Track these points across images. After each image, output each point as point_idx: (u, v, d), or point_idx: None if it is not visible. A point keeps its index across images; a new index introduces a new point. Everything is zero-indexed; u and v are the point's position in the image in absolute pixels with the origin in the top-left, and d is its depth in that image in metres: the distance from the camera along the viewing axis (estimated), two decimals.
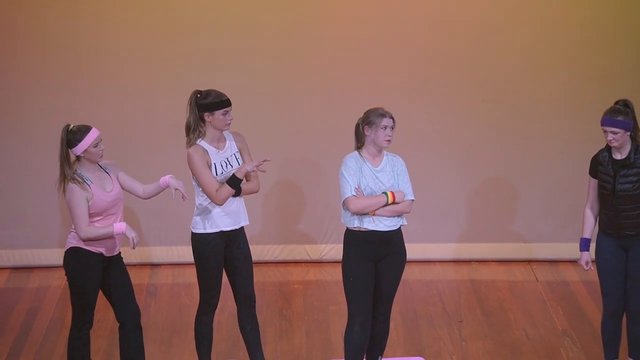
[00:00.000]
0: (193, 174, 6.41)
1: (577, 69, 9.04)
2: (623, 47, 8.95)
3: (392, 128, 6.39)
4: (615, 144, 6.17)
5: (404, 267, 6.50)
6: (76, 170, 6.23)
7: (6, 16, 8.81)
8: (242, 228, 6.49)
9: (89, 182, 6.20)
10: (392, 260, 6.38)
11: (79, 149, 6.18)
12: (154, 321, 7.80)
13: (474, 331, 7.66)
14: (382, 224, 6.35)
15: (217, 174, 6.32)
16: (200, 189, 6.42)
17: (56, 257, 8.82)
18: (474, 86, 9.02)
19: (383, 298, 6.49)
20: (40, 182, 8.88)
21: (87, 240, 6.22)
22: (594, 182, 6.37)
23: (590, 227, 6.94)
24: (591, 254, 6.69)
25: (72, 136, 6.24)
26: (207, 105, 6.33)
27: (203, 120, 6.41)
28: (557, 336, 7.48)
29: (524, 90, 9.07)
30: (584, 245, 6.39)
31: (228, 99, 6.39)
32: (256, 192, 6.66)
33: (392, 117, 6.38)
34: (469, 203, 9.24)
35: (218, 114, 6.31)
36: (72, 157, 6.30)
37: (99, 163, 6.34)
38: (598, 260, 6.51)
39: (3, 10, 8.81)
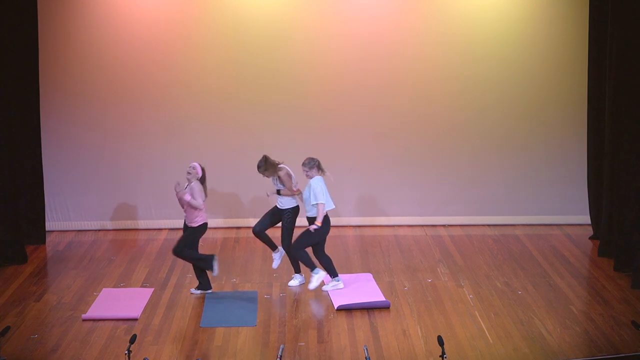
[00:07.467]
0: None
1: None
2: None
3: (304, 169, 9.24)
4: None
5: (321, 233, 9.27)
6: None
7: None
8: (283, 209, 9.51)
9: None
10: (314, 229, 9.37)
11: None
12: (235, 254, 10.61)
13: (396, 260, 10.45)
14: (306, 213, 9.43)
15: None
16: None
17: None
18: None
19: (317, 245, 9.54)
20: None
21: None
22: None
23: None
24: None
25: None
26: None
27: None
28: (435, 261, 10.37)
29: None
30: None
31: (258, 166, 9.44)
32: (292, 195, 9.55)
33: (304, 165, 9.24)
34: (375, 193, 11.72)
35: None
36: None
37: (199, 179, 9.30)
38: None
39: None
